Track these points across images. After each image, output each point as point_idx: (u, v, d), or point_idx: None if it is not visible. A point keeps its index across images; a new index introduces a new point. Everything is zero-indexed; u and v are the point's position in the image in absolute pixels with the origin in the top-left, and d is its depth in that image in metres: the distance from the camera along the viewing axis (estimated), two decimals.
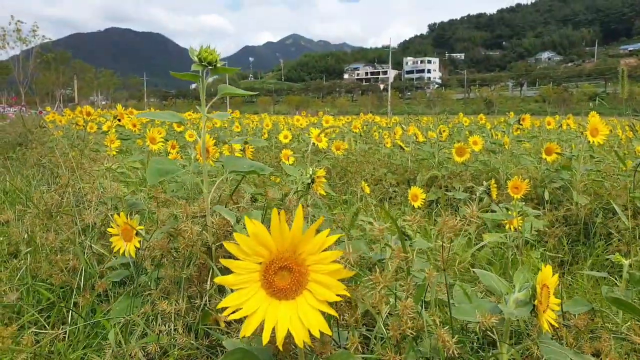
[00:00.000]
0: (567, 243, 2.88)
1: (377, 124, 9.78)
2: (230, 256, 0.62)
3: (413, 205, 3.01)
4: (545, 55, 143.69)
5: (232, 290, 0.62)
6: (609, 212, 3.11)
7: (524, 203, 2.51)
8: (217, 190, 1.23)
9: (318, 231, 0.62)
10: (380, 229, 0.77)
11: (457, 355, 0.69)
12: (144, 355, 0.92)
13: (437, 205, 3.58)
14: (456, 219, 0.79)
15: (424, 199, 3.06)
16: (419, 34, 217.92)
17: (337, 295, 0.60)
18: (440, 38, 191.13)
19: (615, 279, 1.50)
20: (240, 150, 2.93)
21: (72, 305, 1.26)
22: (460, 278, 2.26)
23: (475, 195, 2.60)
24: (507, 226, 2.20)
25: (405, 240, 1.32)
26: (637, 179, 3.22)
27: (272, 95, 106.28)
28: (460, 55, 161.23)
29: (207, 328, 0.99)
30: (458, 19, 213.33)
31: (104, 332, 1.18)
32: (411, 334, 0.69)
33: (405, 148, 4.68)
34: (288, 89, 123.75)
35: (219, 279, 0.62)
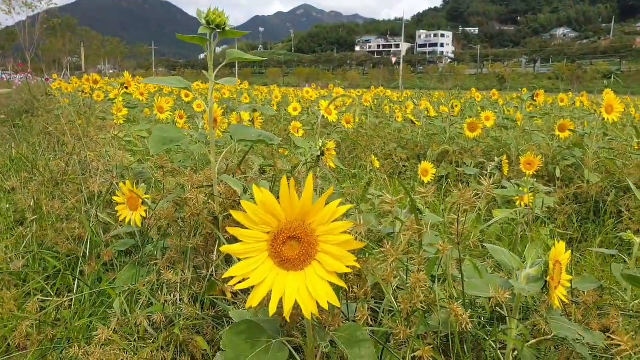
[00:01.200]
0: (577, 221, 2.85)
1: (388, 98, 9.65)
2: (238, 225, 0.60)
3: (423, 180, 2.98)
4: (560, 31, 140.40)
5: (239, 260, 0.60)
6: (620, 191, 3.06)
7: (535, 180, 2.47)
8: (225, 161, 1.20)
9: (328, 202, 0.59)
10: (392, 201, 0.75)
11: (468, 330, 0.68)
12: (149, 324, 0.92)
13: (447, 181, 3.55)
14: (471, 192, 0.76)
15: (434, 174, 3.03)
16: (432, 7, 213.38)
17: (347, 266, 0.58)
18: (454, 11, 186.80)
19: (625, 257, 1.47)
20: (249, 121, 2.89)
21: (78, 274, 1.26)
22: (470, 254, 2.25)
23: (486, 171, 2.56)
24: (517, 202, 2.17)
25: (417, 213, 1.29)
26: None
27: (281, 66, 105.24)
28: (474, 30, 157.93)
29: (214, 298, 0.98)
30: None
31: (109, 301, 1.18)
32: (422, 307, 0.68)
33: (416, 122, 4.62)
34: (298, 60, 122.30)
35: (226, 248, 0.60)
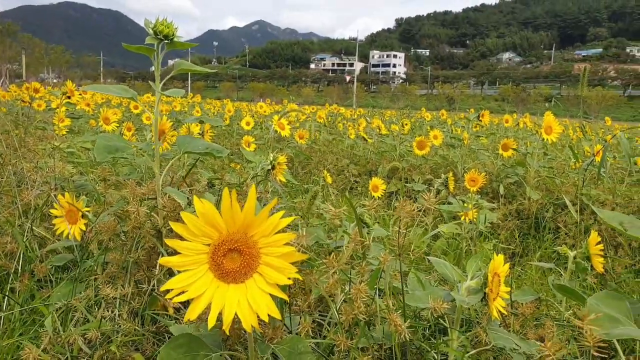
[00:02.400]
0: (518, 236, 2.98)
1: (341, 115, 9.79)
2: (178, 237, 0.59)
3: (373, 196, 3.03)
4: (506, 55, 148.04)
5: (178, 273, 0.59)
6: (559, 207, 3.23)
7: (479, 196, 2.57)
8: (171, 173, 1.18)
9: (272, 213, 0.59)
10: (336, 212, 0.76)
11: (409, 340, 0.69)
12: (84, 342, 0.87)
13: (397, 197, 3.63)
14: (413, 206, 0.78)
15: (384, 190, 3.09)
16: (386, 28, 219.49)
17: (289, 278, 0.58)
18: (406, 33, 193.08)
19: (561, 270, 1.55)
20: (199, 133, 2.85)
21: (8, 291, 1.18)
22: (416, 267, 2.30)
23: (433, 187, 2.64)
24: (462, 218, 2.24)
25: (363, 227, 1.31)
26: (586, 177, 3.36)
27: (235, 81, 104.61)
28: (425, 52, 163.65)
29: (155, 314, 0.95)
30: (424, 15, 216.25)
31: (42, 319, 1.11)
32: (363, 318, 0.68)
33: (368, 140, 4.70)
34: (253, 75, 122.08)
35: (164, 260, 0.58)
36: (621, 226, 0.68)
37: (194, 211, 0.95)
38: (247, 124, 4.92)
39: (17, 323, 1.07)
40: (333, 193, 3.29)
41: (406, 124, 4.93)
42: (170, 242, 0.58)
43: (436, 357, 0.95)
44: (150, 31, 0.94)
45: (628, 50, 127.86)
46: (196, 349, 0.66)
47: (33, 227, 1.39)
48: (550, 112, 6.41)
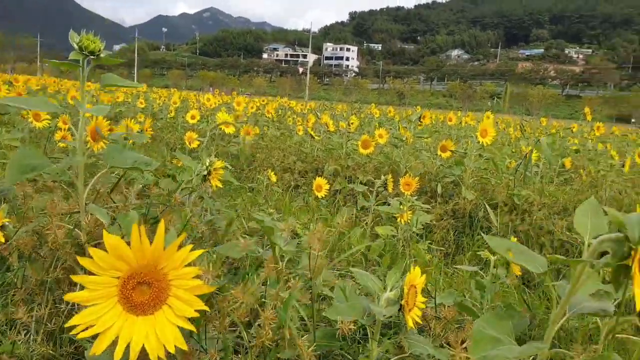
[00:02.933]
0: (453, 235, 3.11)
1: (292, 109, 9.78)
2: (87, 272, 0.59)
3: (317, 196, 3.08)
4: (455, 52, 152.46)
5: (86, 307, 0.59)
6: (491, 207, 3.39)
7: (415, 198, 2.67)
8: (99, 185, 1.16)
9: (181, 246, 0.61)
10: (245, 244, 0.78)
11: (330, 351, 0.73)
12: None
13: (342, 195, 3.69)
14: (323, 230, 0.82)
15: (328, 190, 3.14)
16: (340, 21, 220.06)
17: (196, 310, 0.60)
18: (359, 27, 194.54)
19: (486, 273, 1.66)
20: (139, 131, 2.78)
21: None
22: (352, 269, 2.36)
23: (373, 189, 2.72)
24: (398, 220, 2.33)
25: (294, 237, 1.35)
26: (516, 178, 3.55)
27: (185, 69, 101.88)
28: (378, 46, 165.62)
29: (73, 335, 0.94)
30: (378, 10, 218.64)
31: None
32: (269, 345, 0.72)
33: (316, 137, 4.74)
34: (203, 63, 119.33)
35: (69, 296, 0.59)
36: (509, 253, 0.75)
37: (118, 230, 0.95)
38: (193, 117, 4.83)
39: None
40: (277, 192, 3.30)
41: (352, 122, 5.00)
42: (77, 279, 0.58)
43: None
44: (75, 46, 0.92)
45: (567, 51, 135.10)
46: None
47: None
48: (490, 114, 6.65)
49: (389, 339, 1.21)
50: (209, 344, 0.75)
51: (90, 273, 0.59)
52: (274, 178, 3.41)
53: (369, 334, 1.07)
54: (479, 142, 3.54)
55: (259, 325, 0.71)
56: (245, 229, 2.02)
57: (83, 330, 0.58)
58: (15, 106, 0.89)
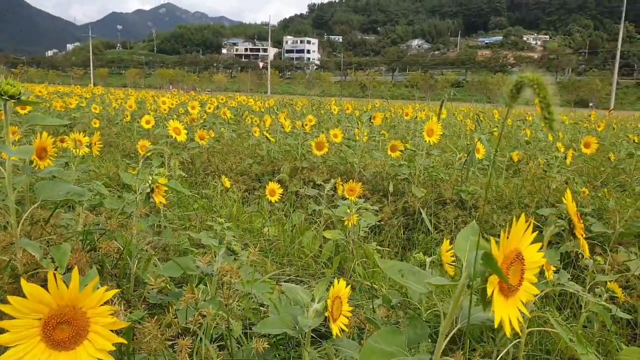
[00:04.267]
0: (404, 232, 3.25)
1: (249, 108, 9.77)
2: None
3: (270, 200, 3.15)
4: (415, 42, 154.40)
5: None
6: (439, 204, 3.55)
7: (365, 199, 2.78)
8: (35, 216, 1.20)
9: (98, 287, 0.67)
10: (157, 283, 0.85)
11: None
12: None
13: (298, 197, 3.76)
14: (255, 253, 0.90)
15: (282, 194, 3.22)
16: (299, 14, 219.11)
17: (114, 344, 0.67)
18: (319, 19, 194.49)
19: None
20: (87, 145, 2.76)
21: None
22: (303, 272, 2.46)
23: (323, 192, 2.81)
24: (346, 222, 2.43)
25: (230, 254, 1.42)
26: (464, 173, 3.71)
27: (142, 67, 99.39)
28: (339, 38, 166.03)
29: None
30: (337, 1, 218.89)
31: None
32: None
33: (271, 139, 4.79)
34: (161, 61, 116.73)
35: None
36: (400, 275, 0.84)
37: (51, 262, 1.00)
38: (147, 122, 4.79)
39: None
40: (231, 198, 3.35)
41: (307, 123, 5.07)
42: (1, 324, 0.64)
43: None
44: None
45: (525, 38, 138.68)
46: None
47: None
48: (434, 116, 6.83)
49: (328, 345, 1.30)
50: None
51: (12, 317, 0.65)
52: (227, 184, 3.46)
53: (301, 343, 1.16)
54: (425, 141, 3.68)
55: (179, 350, 0.78)
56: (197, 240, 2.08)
57: None
58: None
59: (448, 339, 0.76)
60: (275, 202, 3.16)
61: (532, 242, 0.74)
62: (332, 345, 1.13)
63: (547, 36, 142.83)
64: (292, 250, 2.60)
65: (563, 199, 0.97)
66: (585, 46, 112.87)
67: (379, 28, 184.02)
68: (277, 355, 1.16)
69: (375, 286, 2.18)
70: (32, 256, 1.02)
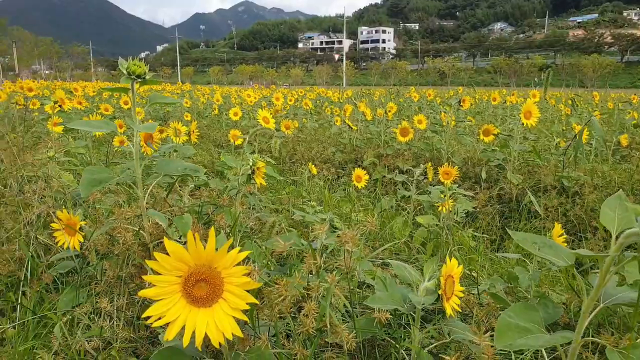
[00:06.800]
0: (500, 220, 3.08)
1: (329, 99, 9.83)
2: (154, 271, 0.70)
3: (356, 186, 3.14)
4: (498, 26, 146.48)
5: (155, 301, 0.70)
6: (539, 190, 3.32)
7: (457, 185, 2.68)
8: (155, 190, 1.29)
9: (232, 247, 0.70)
10: (285, 245, 0.87)
11: (355, 347, 0.81)
12: (89, 347, 1.00)
13: (383, 184, 3.73)
14: (355, 232, 0.89)
15: (367, 180, 3.19)
16: (373, 3, 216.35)
17: (248, 303, 0.70)
18: (394, 7, 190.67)
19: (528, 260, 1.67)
20: (186, 133, 2.94)
21: (20, 295, 1.32)
22: (396, 257, 2.42)
23: (413, 177, 2.75)
24: (439, 208, 2.35)
25: (334, 231, 1.43)
26: (566, 159, 3.45)
27: (224, 64, 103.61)
28: (415, 26, 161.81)
29: (148, 323, 1.08)
30: None
31: (51, 323, 1.25)
32: (312, 332, 0.80)
33: (353, 127, 4.78)
34: (241, 58, 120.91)
35: (142, 292, 0.70)
36: (535, 247, 0.79)
37: (175, 231, 1.06)
38: (235, 114, 4.98)
39: (30, 326, 1.20)
40: (317, 184, 3.39)
41: (389, 110, 4.99)
42: (148, 278, 0.69)
43: (400, 350, 1.07)
44: (125, 72, 1.04)
45: (625, 14, 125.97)
46: (181, 358, 0.79)
47: (37, 236, 1.51)
48: (537, 92, 6.40)
49: (434, 324, 1.27)
50: (262, 331, 0.85)
51: (157, 273, 0.70)
52: (314, 170, 3.51)
53: (410, 321, 1.14)
54: (523, 124, 3.47)
55: (304, 314, 0.80)
56: (290, 221, 2.13)
57: (156, 320, 0.69)
58: (82, 129, 1.02)
59: (592, 316, 0.70)
60: (361, 188, 3.15)
61: None
62: (445, 325, 1.09)
63: None
64: (383, 235, 2.58)
65: None
66: None
67: (457, 13, 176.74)
68: (387, 332, 1.15)
69: (474, 274, 2.09)
70: (157, 226, 1.09)
